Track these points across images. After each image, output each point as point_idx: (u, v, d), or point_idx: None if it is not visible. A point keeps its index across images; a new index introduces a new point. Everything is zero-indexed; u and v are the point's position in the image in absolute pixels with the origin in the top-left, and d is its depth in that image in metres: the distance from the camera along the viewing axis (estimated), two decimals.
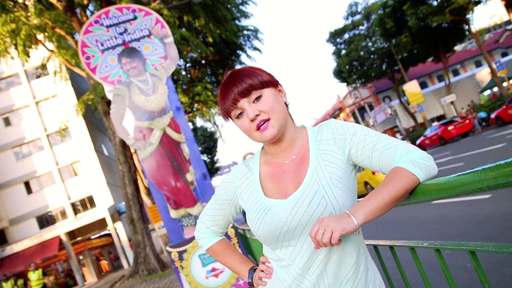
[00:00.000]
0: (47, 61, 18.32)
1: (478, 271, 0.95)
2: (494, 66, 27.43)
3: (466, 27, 29.43)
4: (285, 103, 1.32)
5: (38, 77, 31.26)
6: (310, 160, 1.25)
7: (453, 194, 0.86)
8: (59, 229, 29.23)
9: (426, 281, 1.19)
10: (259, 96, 1.24)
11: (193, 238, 6.32)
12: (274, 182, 1.29)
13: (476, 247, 0.94)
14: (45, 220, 30.36)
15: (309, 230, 1.17)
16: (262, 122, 1.22)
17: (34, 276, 12.87)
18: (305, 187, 1.20)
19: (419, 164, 1.06)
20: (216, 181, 59.46)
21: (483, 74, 43.70)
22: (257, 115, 1.22)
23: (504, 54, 50.38)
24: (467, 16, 28.22)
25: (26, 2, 14.42)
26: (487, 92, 38.40)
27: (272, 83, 1.29)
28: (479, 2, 27.34)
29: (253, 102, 1.24)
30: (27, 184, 30.51)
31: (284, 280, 1.24)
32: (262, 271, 1.35)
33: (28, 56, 14.88)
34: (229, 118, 1.31)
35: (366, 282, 1.22)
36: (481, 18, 68.07)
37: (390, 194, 1.04)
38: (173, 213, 6.60)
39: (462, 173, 0.84)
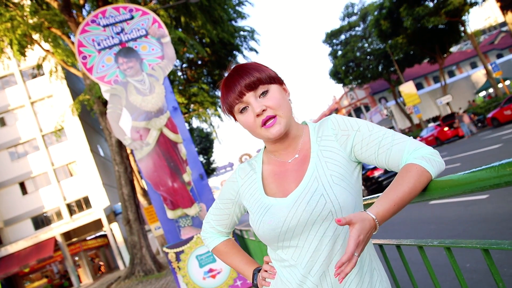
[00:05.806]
0: (43, 61, 18.23)
1: (492, 270, 0.92)
2: (489, 67, 27.50)
3: (462, 28, 29.50)
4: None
5: (33, 77, 31.11)
6: (311, 157, 1.22)
7: (467, 191, 0.84)
8: (55, 230, 29.06)
9: (435, 281, 1.17)
10: (266, 91, 1.20)
11: (190, 238, 6.29)
12: (276, 181, 1.26)
13: (491, 245, 0.91)
14: (40, 221, 30.19)
15: (309, 229, 1.15)
16: (269, 118, 1.18)
17: None
18: (305, 184, 1.17)
19: (430, 160, 1.05)
20: (212, 182, 59.45)
21: (479, 75, 43.90)
22: (263, 110, 1.18)
23: (499, 56, 50.61)
24: (463, 17, 28.29)
25: (22, 2, 14.36)
26: (483, 93, 38.55)
27: (278, 80, 1.26)
28: (474, 4, 27.41)
29: (259, 97, 1.20)
30: (22, 185, 30.35)
31: (287, 281, 1.21)
32: (266, 271, 1.33)
33: (24, 56, 14.80)
34: (230, 115, 1.27)
35: (371, 283, 1.17)
36: (476, 20, 68.30)
37: (409, 189, 1.02)
38: (170, 214, 6.57)
39: (477, 169, 0.82)
